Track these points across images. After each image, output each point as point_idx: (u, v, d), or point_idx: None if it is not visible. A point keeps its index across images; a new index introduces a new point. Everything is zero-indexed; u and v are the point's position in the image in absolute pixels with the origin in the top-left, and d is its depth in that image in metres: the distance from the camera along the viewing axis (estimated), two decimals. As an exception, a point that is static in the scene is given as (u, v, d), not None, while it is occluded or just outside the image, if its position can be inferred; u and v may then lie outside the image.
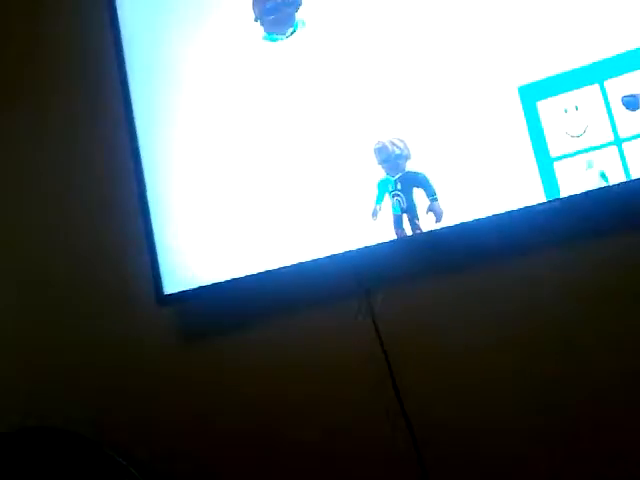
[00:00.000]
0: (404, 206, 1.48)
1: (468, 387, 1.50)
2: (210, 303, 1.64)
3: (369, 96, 1.51)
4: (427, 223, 1.46)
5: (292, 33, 1.56)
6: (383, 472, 1.53)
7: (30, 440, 1.45)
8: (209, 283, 1.58)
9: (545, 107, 1.40)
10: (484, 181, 1.43)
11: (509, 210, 1.41)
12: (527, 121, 1.41)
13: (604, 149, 1.36)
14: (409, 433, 1.52)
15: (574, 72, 1.38)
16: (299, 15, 1.56)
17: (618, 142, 1.35)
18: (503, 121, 1.42)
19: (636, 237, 1.41)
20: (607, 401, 1.41)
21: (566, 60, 1.39)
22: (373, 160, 1.50)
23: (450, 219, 1.45)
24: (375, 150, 1.50)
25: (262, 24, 1.58)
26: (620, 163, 1.35)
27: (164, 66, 1.65)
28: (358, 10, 1.52)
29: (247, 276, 1.55)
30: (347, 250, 1.49)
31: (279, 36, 1.57)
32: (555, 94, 1.40)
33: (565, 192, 1.38)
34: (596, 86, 1.37)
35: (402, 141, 1.49)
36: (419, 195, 1.47)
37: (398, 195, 1.48)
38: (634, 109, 1.35)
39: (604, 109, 1.36)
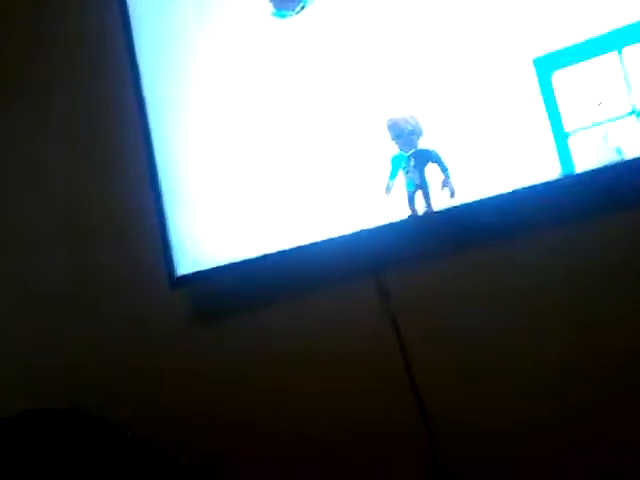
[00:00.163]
0: (417, 182, 1.46)
1: (480, 367, 1.49)
2: (223, 284, 1.63)
3: (381, 72, 1.50)
4: (440, 200, 1.44)
5: (301, 9, 1.54)
6: (394, 451, 1.53)
7: (51, 421, 1.46)
8: (222, 264, 1.57)
9: (561, 78, 1.37)
10: (498, 157, 1.41)
11: (524, 186, 1.38)
12: (543, 94, 1.38)
13: (620, 121, 1.33)
14: (420, 413, 1.51)
15: (591, 41, 1.36)
16: (308, -10, 1.55)
17: (636, 113, 1.33)
18: (518, 95, 1.40)
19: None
20: (617, 381, 1.40)
21: (582, 30, 1.36)
22: (386, 136, 1.49)
23: (464, 197, 1.43)
24: (388, 126, 1.49)
25: (271, 0, 1.57)
26: (638, 135, 1.32)
27: (174, 46, 1.64)
28: (368, -16, 1.50)
29: (260, 256, 1.55)
30: (360, 229, 1.48)
31: (288, 12, 1.56)
32: (571, 64, 1.37)
33: (580, 167, 1.36)
34: (614, 53, 1.34)
35: (414, 118, 1.47)
36: (432, 172, 1.45)
37: (411, 171, 1.47)
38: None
39: (622, 78, 1.34)
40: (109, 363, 1.71)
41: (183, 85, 1.64)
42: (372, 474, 1.55)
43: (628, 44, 1.33)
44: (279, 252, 1.54)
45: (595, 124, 1.35)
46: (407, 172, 1.47)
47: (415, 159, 1.47)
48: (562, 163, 1.37)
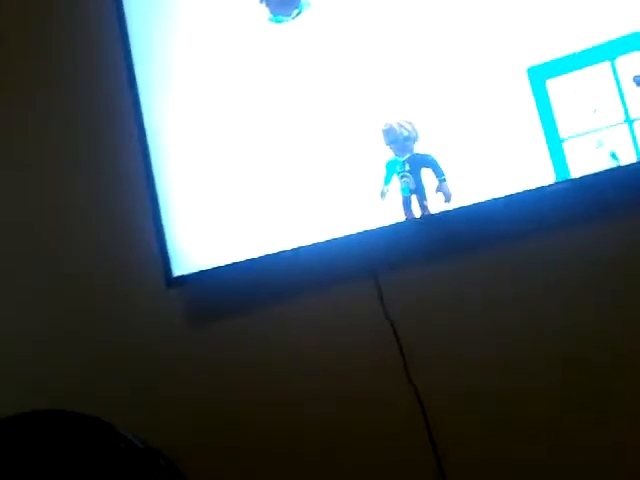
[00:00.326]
0: (413, 187, 1.47)
1: (479, 369, 1.50)
2: (220, 285, 1.63)
3: (377, 77, 1.50)
4: (436, 204, 1.46)
5: (298, 14, 1.55)
6: (394, 450, 1.55)
7: (42, 423, 1.46)
8: (217, 265, 1.57)
9: (554, 86, 1.39)
10: (493, 162, 1.43)
11: (519, 191, 1.40)
12: (536, 101, 1.40)
13: (614, 128, 1.35)
14: (421, 410, 1.52)
15: (584, 52, 1.38)
16: (304, -5, 1.55)
17: (629, 121, 1.35)
18: (512, 102, 1.42)
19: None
20: (622, 389, 1.42)
21: (576, 40, 1.38)
22: (381, 141, 1.50)
23: (459, 201, 1.44)
24: (383, 132, 1.49)
25: (267, 5, 1.57)
26: (631, 142, 1.34)
27: (170, 52, 1.64)
28: (364, -10, 1.51)
29: (257, 258, 1.55)
30: (356, 232, 1.49)
31: (285, 17, 1.56)
32: (565, 73, 1.38)
33: (575, 173, 1.38)
34: (607, 64, 1.36)
35: (410, 123, 1.48)
36: (428, 176, 1.47)
37: (407, 176, 1.48)
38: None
39: (615, 88, 1.35)
40: (104, 364, 1.71)
41: (179, 90, 1.64)
42: (372, 474, 1.56)
43: (621, 54, 1.35)
44: (276, 254, 1.54)
45: (589, 131, 1.37)
46: (402, 177, 1.48)
47: (410, 164, 1.48)
48: (557, 169, 1.39)
